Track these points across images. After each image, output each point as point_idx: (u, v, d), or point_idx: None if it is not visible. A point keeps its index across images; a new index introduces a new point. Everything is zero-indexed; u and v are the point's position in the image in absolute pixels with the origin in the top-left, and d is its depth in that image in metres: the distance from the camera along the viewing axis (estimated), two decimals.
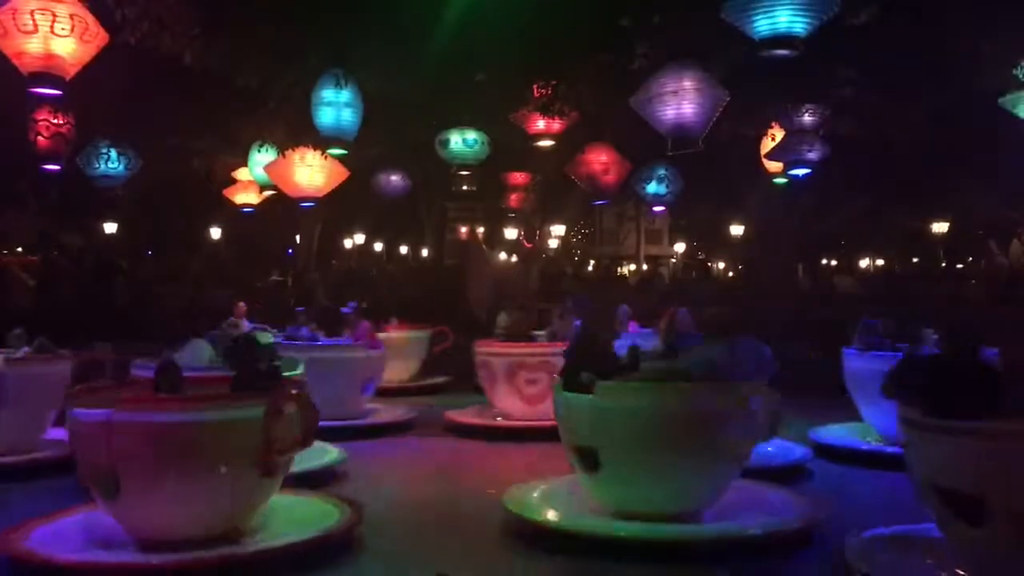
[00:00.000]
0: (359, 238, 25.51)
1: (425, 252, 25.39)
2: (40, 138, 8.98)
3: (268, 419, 1.77)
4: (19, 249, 21.29)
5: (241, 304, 4.90)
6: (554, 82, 8.29)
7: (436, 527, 2.11)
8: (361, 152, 8.93)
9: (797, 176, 9.83)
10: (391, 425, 3.39)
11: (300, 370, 2.62)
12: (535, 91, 8.50)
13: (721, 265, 27.82)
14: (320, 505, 2.02)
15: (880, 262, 27.43)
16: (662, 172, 11.14)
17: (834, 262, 26.60)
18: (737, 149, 10.71)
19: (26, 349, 2.78)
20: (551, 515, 1.93)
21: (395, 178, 12.73)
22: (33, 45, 5.84)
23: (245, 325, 4.99)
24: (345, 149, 7.93)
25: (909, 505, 1.68)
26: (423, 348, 4.79)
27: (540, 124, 9.02)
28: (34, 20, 5.79)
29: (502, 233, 21.85)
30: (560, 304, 3.75)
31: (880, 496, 2.33)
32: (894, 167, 13.23)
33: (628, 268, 28.60)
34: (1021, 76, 7.20)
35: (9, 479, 2.49)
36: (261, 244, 20.05)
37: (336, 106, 7.51)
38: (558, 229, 24.85)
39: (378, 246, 28.18)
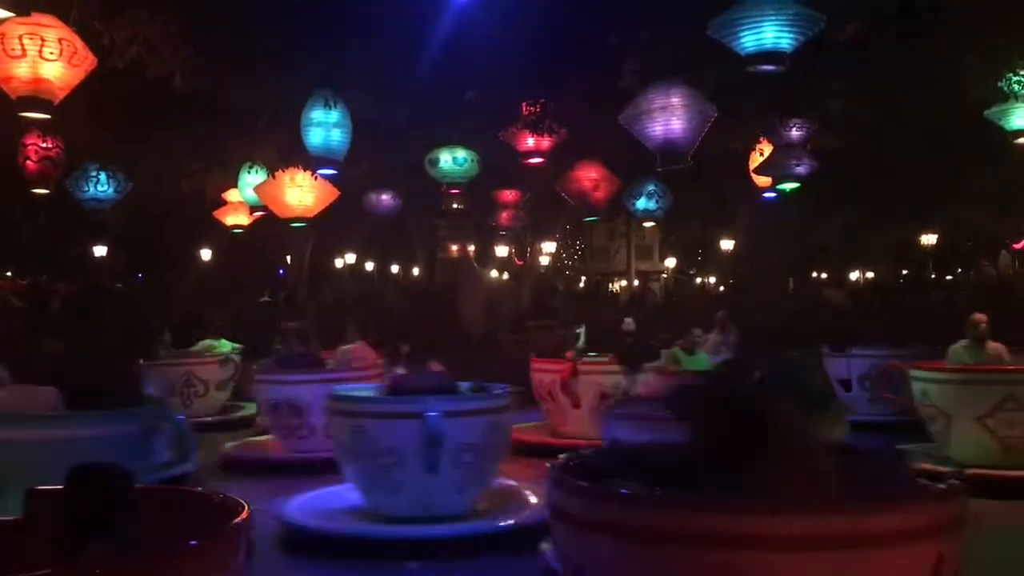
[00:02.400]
0: (350, 257, 25.47)
1: (416, 271, 25.35)
2: (29, 162, 8.94)
3: None
4: (8, 274, 21.17)
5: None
6: (543, 100, 8.32)
7: None
8: (351, 172, 8.93)
9: (785, 190, 9.88)
10: None
11: None
12: (524, 109, 8.53)
13: (712, 279, 27.83)
14: None
15: (870, 274, 27.50)
16: (652, 188, 11.19)
17: (824, 275, 26.66)
18: (726, 164, 10.75)
19: None
20: None
21: (385, 197, 12.73)
22: (22, 69, 5.84)
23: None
24: (335, 169, 7.94)
25: None
26: None
27: (530, 142, 9.04)
28: (22, 45, 5.79)
29: (493, 251, 21.81)
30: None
31: None
32: (883, 180, 13.28)
33: (619, 284, 28.58)
34: (1007, 88, 7.25)
35: None
36: (252, 265, 19.99)
37: (325, 126, 7.53)
38: (549, 246, 24.83)
39: (369, 265, 28.12)
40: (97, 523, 1.38)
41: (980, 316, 6.85)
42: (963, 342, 6.92)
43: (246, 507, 1.40)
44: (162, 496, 1.59)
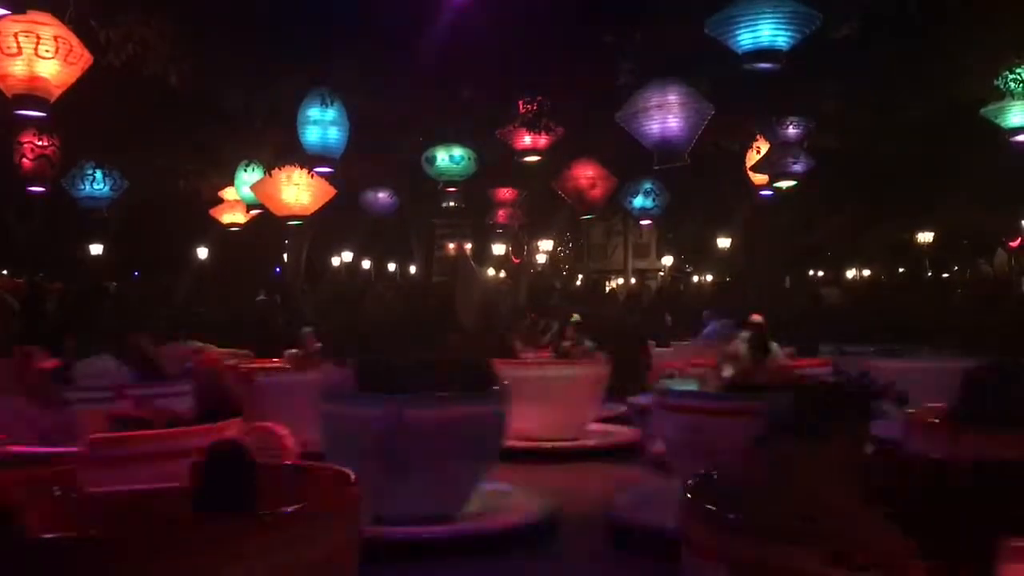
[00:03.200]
0: (347, 256, 25.46)
1: (413, 269, 25.32)
2: (25, 160, 8.92)
3: None
4: (4, 272, 21.13)
5: None
6: (540, 98, 8.32)
7: None
8: (348, 170, 8.92)
9: (782, 188, 9.89)
10: None
11: None
12: (521, 107, 8.52)
13: (709, 278, 27.86)
14: None
15: (867, 273, 27.54)
16: (649, 186, 11.19)
17: (820, 273, 26.71)
18: (723, 162, 10.75)
19: None
20: None
21: (382, 195, 12.71)
22: (17, 67, 5.82)
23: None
24: (332, 167, 7.93)
25: None
26: None
27: (527, 140, 9.04)
28: (18, 42, 5.76)
29: (490, 249, 21.80)
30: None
31: None
32: (879, 178, 13.29)
33: (616, 282, 28.59)
34: (1003, 86, 7.26)
35: None
36: (249, 264, 19.96)
37: (322, 124, 7.51)
38: (546, 244, 24.83)
39: (366, 263, 28.11)
40: (224, 499, 1.53)
41: (757, 316, 7.15)
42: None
43: (354, 479, 1.56)
44: (285, 471, 1.82)
